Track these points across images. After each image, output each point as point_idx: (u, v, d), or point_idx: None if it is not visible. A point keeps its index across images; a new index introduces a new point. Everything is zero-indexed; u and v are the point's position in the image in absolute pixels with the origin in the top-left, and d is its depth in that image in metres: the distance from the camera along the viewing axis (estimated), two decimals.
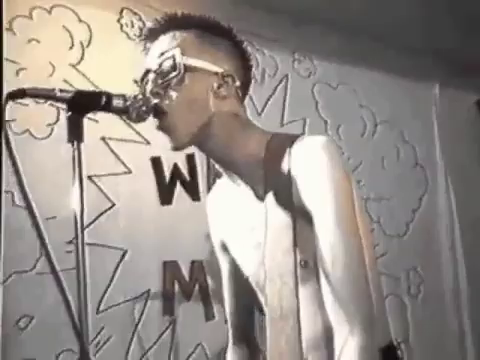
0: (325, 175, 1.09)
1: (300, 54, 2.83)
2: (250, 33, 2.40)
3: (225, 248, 1.37)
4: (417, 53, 3.11)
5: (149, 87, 1.17)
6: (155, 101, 1.14)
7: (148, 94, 1.16)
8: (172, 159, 2.37)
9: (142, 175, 2.28)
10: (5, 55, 2.04)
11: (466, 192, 3.25)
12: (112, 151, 2.23)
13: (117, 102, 1.07)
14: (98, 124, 1.96)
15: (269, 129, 1.25)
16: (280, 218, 1.13)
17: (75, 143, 1.01)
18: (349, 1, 2.69)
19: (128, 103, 1.08)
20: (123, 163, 2.25)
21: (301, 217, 1.11)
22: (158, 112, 1.14)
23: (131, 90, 2.30)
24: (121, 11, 2.33)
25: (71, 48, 2.21)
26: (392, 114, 3.11)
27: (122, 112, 1.08)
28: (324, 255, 1.07)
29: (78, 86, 2.14)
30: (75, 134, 1.01)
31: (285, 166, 1.14)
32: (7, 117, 2.02)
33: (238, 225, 1.27)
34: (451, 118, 3.33)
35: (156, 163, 2.32)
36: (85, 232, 2.13)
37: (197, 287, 2.30)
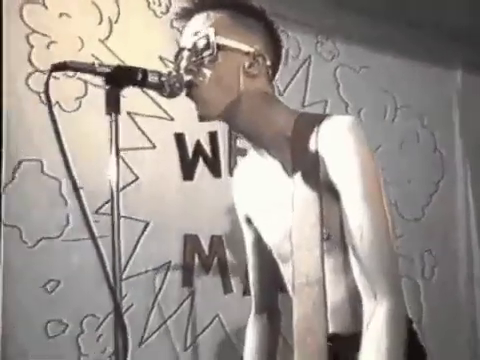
0: (352, 154, 1.13)
1: (323, 37, 2.85)
2: (274, 14, 2.42)
3: (249, 221, 1.43)
4: (440, 38, 3.11)
5: (183, 64, 1.22)
6: (188, 77, 1.19)
7: (182, 71, 1.21)
8: (195, 136, 2.42)
9: (166, 150, 2.34)
10: (36, 28, 2.11)
11: None
12: (137, 126, 2.29)
13: (152, 78, 1.12)
14: (125, 99, 2.00)
15: None
16: (307, 194, 1.17)
17: (113, 115, 1.06)
18: None
19: (163, 79, 1.12)
20: (148, 138, 2.30)
21: (327, 193, 1.16)
22: (190, 86, 1.19)
23: (157, 66, 2.36)
24: None
25: (100, 23, 2.26)
26: (413, 99, 3.12)
27: (156, 87, 1.13)
28: (352, 229, 1.13)
29: (105, 61, 2.17)
30: (113, 107, 1.06)
31: (312, 144, 1.18)
32: (37, 88, 2.09)
33: (264, 199, 1.32)
34: (472, 104, 3.33)
35: (180, 139, 2.38)
36: (109, 204, 2.21)
37: (216, 260, 2.36)
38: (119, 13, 2.29)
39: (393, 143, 3.02)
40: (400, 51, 3.05)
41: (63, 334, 2.03)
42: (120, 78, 1.08)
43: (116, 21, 2.29)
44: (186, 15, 1.28)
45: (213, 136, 2.45)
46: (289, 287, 1.29)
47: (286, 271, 1.31)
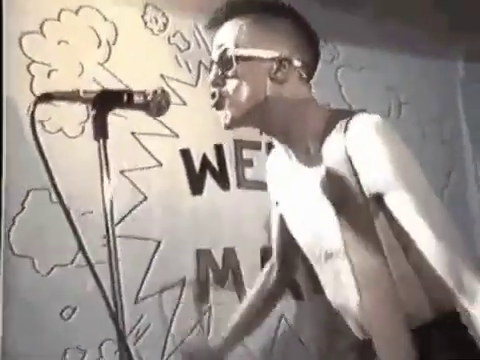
0: (386, 158, 1.14)
1: (322, 39, 2.83)
2: None
3: (277, 204, 1.50)
4: (439, 29, 3.09)
5: (211, 78, 1.25)
6: (213, 89, 1.24)
7: (210, 84, 1.25)
8: (201, 150, 2.42)
9: (172, 167, 2.35)
10: (36, 58, 2.12)
11: None
12: (142, 145, 2.30)
13: (138, 98, 1.12)
14: (127, 120, 2.03)
15: None
16: (334, 190, 1.19)
17: (101, 140, 1.07)
18: None
19: (149, 99, 1.12)
20: (153, 156, 2.31)
21: (354, 190, 1.18)
22: (215, 98, 1.25)
23: (158, 84, 2.37)
24: (145, 7, 2.38)
25: (98, 47, 2.27)
26: (416, 94, 3.10)
27: (143, 107, 1.14)
28: (415, 227, 1.12)
29: (106, 83, 2.22)
30: (101, 132, 1.07)
31: (340, 143, 1.19)
32: (41, 117, 2.10)
33: (293, 194, 1.35)
34: (476, 93, 3.31)
35: (185, 155, 2.39)
36: (120, 226, 2.23)
37: (230, 274, 2.37)
38: (117, 35, 2.30)
39: None
40: (400, 47, 3.03)
41: None
42: (105, 102, 1.09)
43: (114, 43, 2.30)
44: (214, 25, 1.30)
45: (219, 149, 2.46)
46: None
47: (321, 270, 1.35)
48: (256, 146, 2.52)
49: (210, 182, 2.42)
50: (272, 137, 1.33)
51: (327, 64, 2.85)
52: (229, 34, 1.25)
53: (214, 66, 1.26)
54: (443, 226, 1.13)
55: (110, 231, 1.10)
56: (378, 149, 1.15)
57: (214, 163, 2.45)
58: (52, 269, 2.04)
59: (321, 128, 1.23)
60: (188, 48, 2.47)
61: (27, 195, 2.05)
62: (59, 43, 2.18)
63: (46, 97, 1.06)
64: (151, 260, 2.21)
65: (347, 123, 1.19)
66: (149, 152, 2.30)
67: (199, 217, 2.34)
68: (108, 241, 1.07)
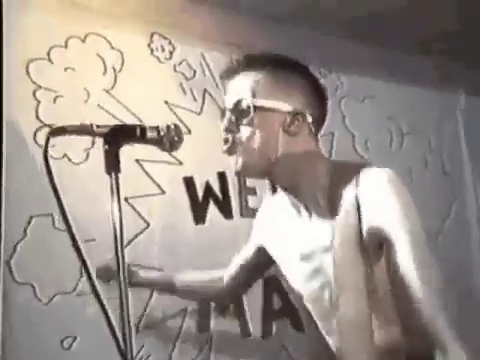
0: (395, 207, 1.17)
1: (326, 69, 2.86)
2: (275, 49, 2.45)
3: (260, 251, 1.59)
4: (441, 61, 3.12)
5: (225, 124, 1.29)
6: (226, 136, 1.27)
7: (223, 130, 1.28)
8: (204, 177, 2.42)
9: (175, 195, 2.33)
10: (43, 84, 2.12)
11: None
12: (146, 172, 2.29)
13: (151, 134, 1.13)
14: (131, 147, 2.02)
15: None
16: (345, 240, 1.21)
17: (113, 174, 1.07)
18: (382, 17, 2.72)
19: (162, 134, 1.13)
20: (156, 184, 2.30)
21: (368, 242, 1.19)
22: (227, 144, 1.28)
23: (163, 111, 2.38)
24: (151, 36, 2.40)
25: (104, 74, 2.27)
26: (419, 124, 3.12)
27: (156, 143, 1.14)
28: (408, 280, 1.14)
29: (112, 110, 2.22)
30: (113, 166, 1.07)
31: (352, 197, 1.20)
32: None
33: (292, 244, 1.37)
34: (477, 126, 3.32)
35: (189, 183, 2.38)
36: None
37: (232, 304, 2.34)
38: (123, 62, 2.31)
39: (402, 170, 2.99)
40: (402, 78, 3.05)
41: None
42: (118, 137, 1.09)
43: (120, 70, 2.30)
44: (229, 74, 1.34)
45: (222, 176, 2.45)
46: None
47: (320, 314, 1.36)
48: None
49: (213, 210, 2.41)
50: (280, 188, 1.34)
51: (331, 94, 2.86)
52: (246, 84, 1.28)
53: (228, 113, 1.29)
54: (435, 281, 1.16)
55: (120, 261, 1.08)
56: (387, 198, 1.18)
57: (217, 191, 2.44)
58: (53, 297, 2.01)
59: (328, 181, 1.26)
60: (194, 76, 2.48)
61: (29, 221, 2.03)
62: (66, 70, 2.18)
63: (59, 131, 1.06)
64: (152, 289, 2.18)
65: (358, 176, 1.21)
66: (152, 179, 2.29)
67: (201, 246, 2.32)
68: (118, 269, 1.05)
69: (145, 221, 2.24)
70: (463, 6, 2.74)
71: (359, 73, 2.93)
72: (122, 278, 1.04)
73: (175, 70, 2.44)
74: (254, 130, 1.26)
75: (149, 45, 2.39)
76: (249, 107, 1.25)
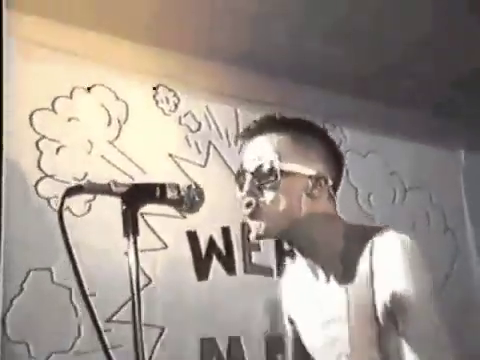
0: (409, 277, 1.12)
1: (330, 124, 2.85)
2: (279, 103, 2.45)
3: (291, 322, 1.45)
4: (443, 118, 3.14)
5: (246, 187, 1.24)
6: (249, 199, 1.22)
7: (244, 193, 1.23)
8: (208, 232, 2.36)
9: (178, 250, 2.27)
10: (46, 134, 2.08)
11: None
12: (149, 226, 2.22)
13: (171, 194, 1.06)
14: None
15: None
16: (360, 309, 1.18)
17: (131, 237, 1.00)
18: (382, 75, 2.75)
19: (182, 194, 1.06)
20: (160, 238, 2.24)
21: (381, 310, 1.15)
22: (251, 208, 1.22)
23: (167, 164, 2.33)
24: (156, 87, 2.38)
25: (109, 125, 2.24)
26: (421, 180, 3.11)
27: (176, 203, 1.07)
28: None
29: (115, 161, 2.18)
30: (131, 228, 1.01)
31: (366, 262, 1.17)
32: (48, 194, 2.04)
33: (311, 307, 1.32)
34: (478, 183, 3.32)
35: (192, 237, 2.31)
36: (123, 310, 2.11)
37: None
38: (128, 113, 2.28)
39: (405, 225, 2.96)
40: (405, 134, 3.06)
41: None
42: (137, 197, 1.02)
43: (125, 121, 2.27)
44: (248, 135, 1.30)
45: (226, 231, 2.39)
46: None
47: None
48: None
49: (216, 266, 2.34)
50: (297, 251, 1.31)
51: None
52: (268, 147, 1.25)
53: (249, 176, 1.25)
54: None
55: (136, 319, 1.00)
56: (400, 270, 1.13)
57: (221, 246, 2.38)
58: (49, 356, 1.91)
59: (342, 245, 1.23)
60: (199, 129, 2.45)
61: (27, 275, 1.95)
62: (69, 120, 2.15)
63: (76, 190, 1.00)
64: (154, 347, 2.09)
65: (373, 244, 1.18)
66: (155, 233, 2.23)
67: (204, 303, 2.24)
68: (134, 327, 0.96)
69: (147, 277, 2.16)
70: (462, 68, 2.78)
71: (363, 128, 2.93)
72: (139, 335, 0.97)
73: (180, 122, 2.42)
74: (279, 194, 1.22)
75: (154, 97, 2.37)
76: (275, 171, 1.22)
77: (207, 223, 2.34)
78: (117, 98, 2.27)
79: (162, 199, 1.05)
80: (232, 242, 2.39)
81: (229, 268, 2.36)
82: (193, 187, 1.08)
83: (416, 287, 1.12)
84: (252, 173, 1.24)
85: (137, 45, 2.33)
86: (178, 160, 2.34)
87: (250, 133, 1.30)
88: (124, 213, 1.00)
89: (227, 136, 2.53)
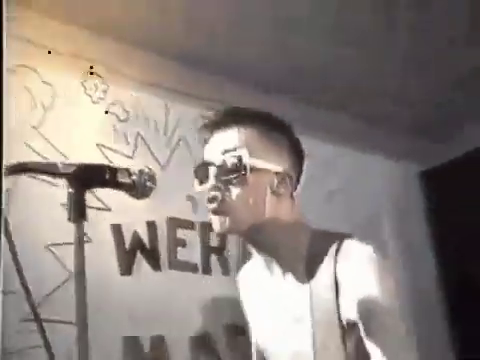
0: (374, 280, 1.13)
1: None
2: (213, 100, 2.40)
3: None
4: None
5: (210, 181, 1.20)
6: (214, 193, 1.19)
7: (208, 187, 1.20)
8: (132, 226, 2.27)
9: (101, 243, 2.17)
10: None
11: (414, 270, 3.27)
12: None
13: (122, 177, 1.01)
14: (57, 188, 1.88)
15: None
16: (323, 309, 1.16)
17: (79, 224, 0.95)
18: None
19: (134, 178, 1.02)
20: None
21: (334, 313, 1.16)
22: (216, 202, 1.19)
23: (94, 153, 2.23)
24: (86, 73, 2.27)
25: (33, 110, 2.11)
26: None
27: (127, 188, 1.02)
28: None
29: (38, 149, 2.06)
30: (79, 213, 0.94)
31: (331, 267, 1.17)
32: None
33: (269, 308, 1.31)
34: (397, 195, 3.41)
35: (116, 231, 2.22)
36: (42, 307, 1.99)
37: None
38: (53, 99, 2.15)
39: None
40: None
41: None
42: (85, 179, 0.96)
43: (50, 107, 2.14)
44: (213, 127, 1.26)
45: (152, 226, 2.32)
46: None
47: None
48: (190, 226, 2.42)
49: (140, 261, 2.26)
50: (257, 249, 1.28)
51: None
52: (236, 142, 1.22)
53: (214, 169, 1.21)
54: None
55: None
56: (365, 278, 1.14)
57: (146, 241, 2.30)
58: None
59: (305, 247, 1.22)
60: (127, 119, 2.36)
61: None
62: None
63: (20, 168, 0.92)
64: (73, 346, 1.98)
65: (338, 249, 1.18)
66: None
67: (127, 300, 2.15)
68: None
69: (68, 271, 2.04)
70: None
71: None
72: None
73: (108, 112, 2.31)
74: (244, 189, 1.20)
75: (82, 83, 2.26)
76: (244, 165, 1.18)
77: (132, 216, 2.26)
78: (43, 81, 2.14)
79: (112, 182, 0.99)
80: (158, 237, 2.32)
81: (154, 264, 2.28)
82: (146, 171, 1.03)
83: (382, 290, 1.12)
84: (218, 167, 1.20)
85: (68, 26, 2.20)
86: (105, 150, 2.25)
87: (215, 125, 1.26)
88: (71, 196, 0.93)
89: (156, 128, 2.46)
